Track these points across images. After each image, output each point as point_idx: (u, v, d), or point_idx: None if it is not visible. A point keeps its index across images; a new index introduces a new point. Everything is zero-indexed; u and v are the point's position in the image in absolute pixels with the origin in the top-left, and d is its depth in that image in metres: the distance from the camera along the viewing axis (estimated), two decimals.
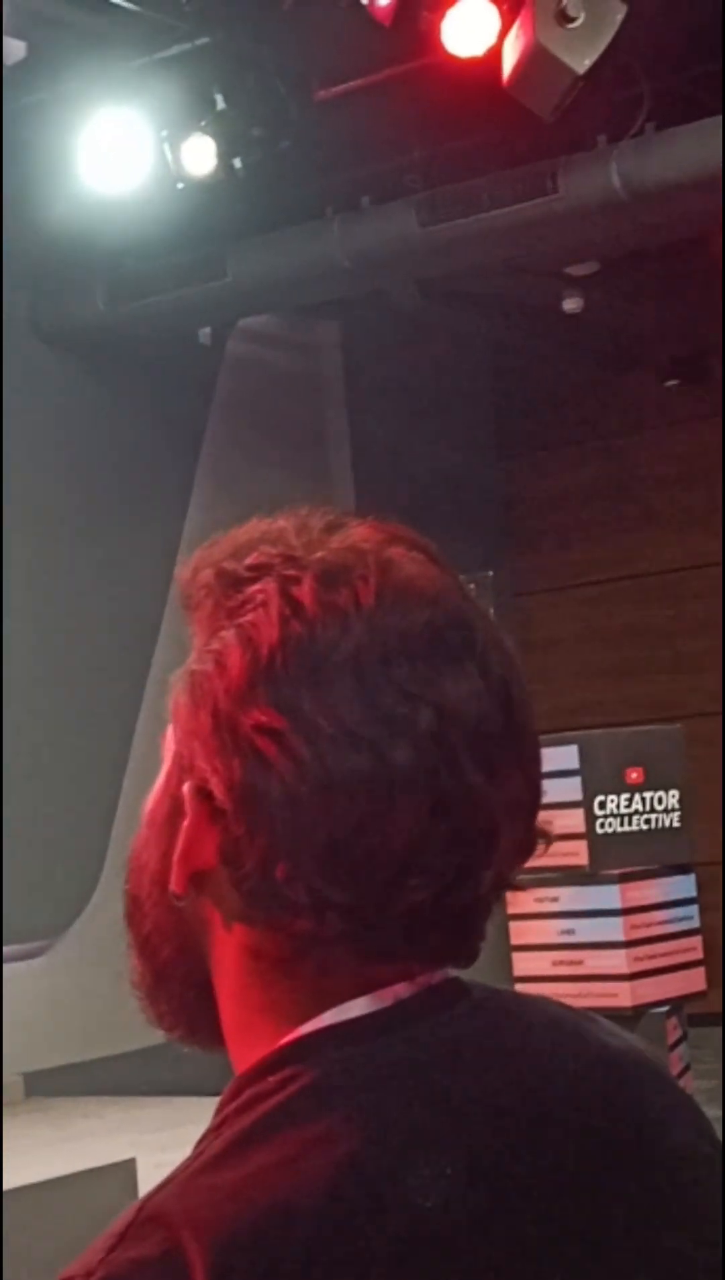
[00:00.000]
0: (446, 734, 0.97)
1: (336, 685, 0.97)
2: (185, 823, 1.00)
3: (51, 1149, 5.00)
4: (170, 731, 1.02)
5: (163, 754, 1.04)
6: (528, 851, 1.04)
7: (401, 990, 1.01)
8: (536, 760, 1.04)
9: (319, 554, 1.01)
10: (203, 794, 0.99)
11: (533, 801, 1.04)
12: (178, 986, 1.06)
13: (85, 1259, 0.93)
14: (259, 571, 1.01)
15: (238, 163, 6.32)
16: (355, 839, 0.96)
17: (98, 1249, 0.93)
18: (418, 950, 1.01)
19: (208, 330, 8.22)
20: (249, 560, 1.02)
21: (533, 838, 1.05)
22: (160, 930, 1.05)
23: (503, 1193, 0.98)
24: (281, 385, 8.80)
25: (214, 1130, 0.98)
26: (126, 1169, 4.42)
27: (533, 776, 1.03)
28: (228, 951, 1.03)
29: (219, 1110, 1.00)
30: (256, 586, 1.00)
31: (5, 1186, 4.76)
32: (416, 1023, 1.01)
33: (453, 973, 1.04)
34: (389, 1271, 0.93)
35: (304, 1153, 0.95)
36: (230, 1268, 0.90)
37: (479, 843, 0.99)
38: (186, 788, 1.01)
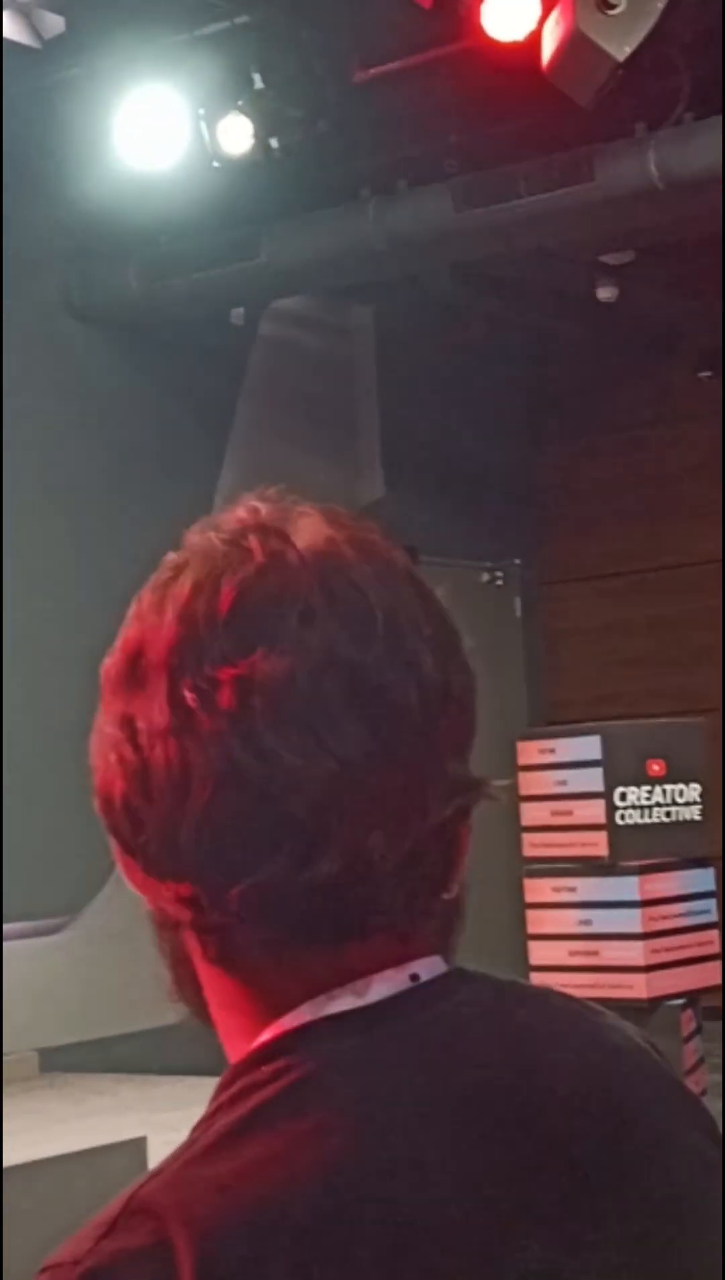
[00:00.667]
0: (252, 717, 0.95)
1: (151, 685, 0.98)
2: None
3: (64, 1125, 5.01)
4: None
5: None
6: (427, 811, 1.02)
7: (392, 978, 1.00)
8: (407, 721, 1.01)
9: (175, 554, 1.04)
10: None
11: (406, 766, 1.00)
12: (193, 995, 1.06)
13: (73, 1246, 0.92)
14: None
15: (274, 143, 6.31)
16: (199, 829, 0.96)
17: (85, 1237, 0.93)
18: (325, 932, 0.99)
19: (240, 311, 8.21)
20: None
21: (434, 795, 1.03)
22: (164, 949, 1.07)
23: (494, 1189, 0.97)
24: (313, 368, 8.78)
25: (207, 1119, 0.98)
26: (137, 1146, 4.43)
27: (399, 740, 1.00)
28: (195, 957, 1.03)
29: (214, 1098, 0.99)
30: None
31: (18, 1161, 4.77)
32: (411, 1015, 1.00)
33: (443, 964, 1.04)
34: (379, 1268, 0.92)
35: (297, 1147, 0.94)
36: (219, 1260, 0.90)
37: (308, 822, 0.96)
38: None
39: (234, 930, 0.98)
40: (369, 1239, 0.92)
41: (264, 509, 1.05)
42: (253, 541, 1.02)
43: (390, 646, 1.02)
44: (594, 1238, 0.98)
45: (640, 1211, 1.01)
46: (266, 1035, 1.00)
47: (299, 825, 0.96)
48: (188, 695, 0.97)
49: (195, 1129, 0.98)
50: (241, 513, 1.05)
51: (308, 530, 1.04)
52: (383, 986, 1.00)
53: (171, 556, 1.05)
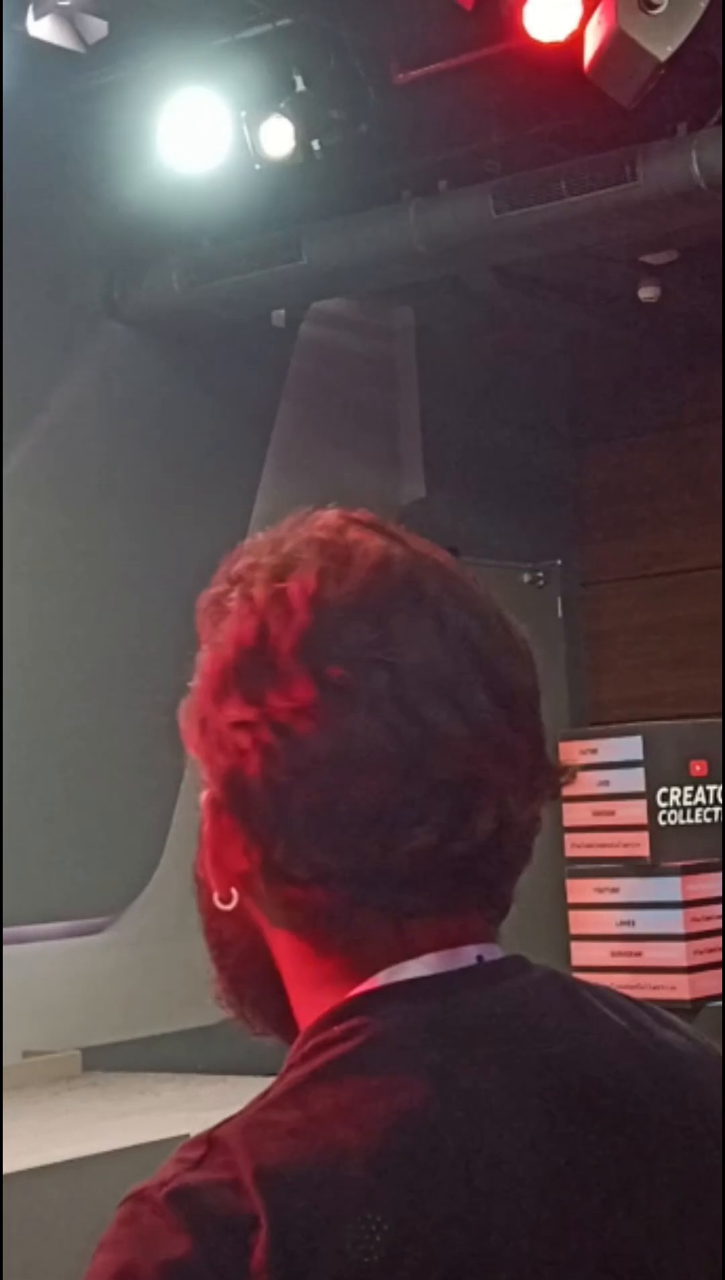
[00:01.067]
0: (404, 689, 1.01)
1: (288, 669, 1.03)
2: (204, 830, 1.06)
3: (106, 1123, 5.03)
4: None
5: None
6: (538, 792, 1.08)
7: (461, 955, 1.06)
8: (524, 701, 1.08)
9: (274, 553, 1.08)
10: (213, 800, 1.06)
11: (528, 741, 1.07)
12: (252, 989, 1.10)
13: (156, 1178, 0.98)
14: (231, 585, 1.09)
15: (316, 145, 6.32)
16: (332, 806, 1.01)
17: (168, 1168, 0.98)
18: (438, 903, 1.04)
19: (282, 312, 8.22)
20: (229, 579, 1.10)
21: (542, 777, 1.08)
22: (225, 939, 1.10)
23: (561, 1155, 1.01)
24: (354, 369, 8.79)
25: (280, 1076, 1.02)
26: (179, 1145, 4.44)
27: (521, 717, 1.07)
28: (278, 942, 1.07)
29: (288, 1059, 1.04)
30: (230, 599, 1.07)
31: (60, 1159, 4.79)
32: (484, 988, 1.05)
33: (499, 950, 1.10)
34: (439, 1220, 0.95)
35: (367, 1099, 0.98)
36: (286, 1203, 0.93)
37: (464, 787, 1.03)
38: (202, 798, 1.07)
39: (347, 905, 1.03)
40: (440, 1192, 0.95)
41: (341, 512, 1.12)
42: (356, 534, 1.10)
43: (504, 637, 1.10)
44: (645, 1220, 1.02)
45: (693, 1199, 1.04)
46: (340, 999, 1.04)
47: (453, 791, 1.02)
48: (335, 674, 1.02)
49: (270, 1085, 1.02)
50: (327, 516, 1.12)
51: (391, 531, 1.13)
52: (451, 960, 1.05)
53: (253, 557, 1.10)
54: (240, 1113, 1.00)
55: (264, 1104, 1.00)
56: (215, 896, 1.08)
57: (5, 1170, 4.69)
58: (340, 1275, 0.92)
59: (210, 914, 1.09)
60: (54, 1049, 6.41)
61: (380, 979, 1.03)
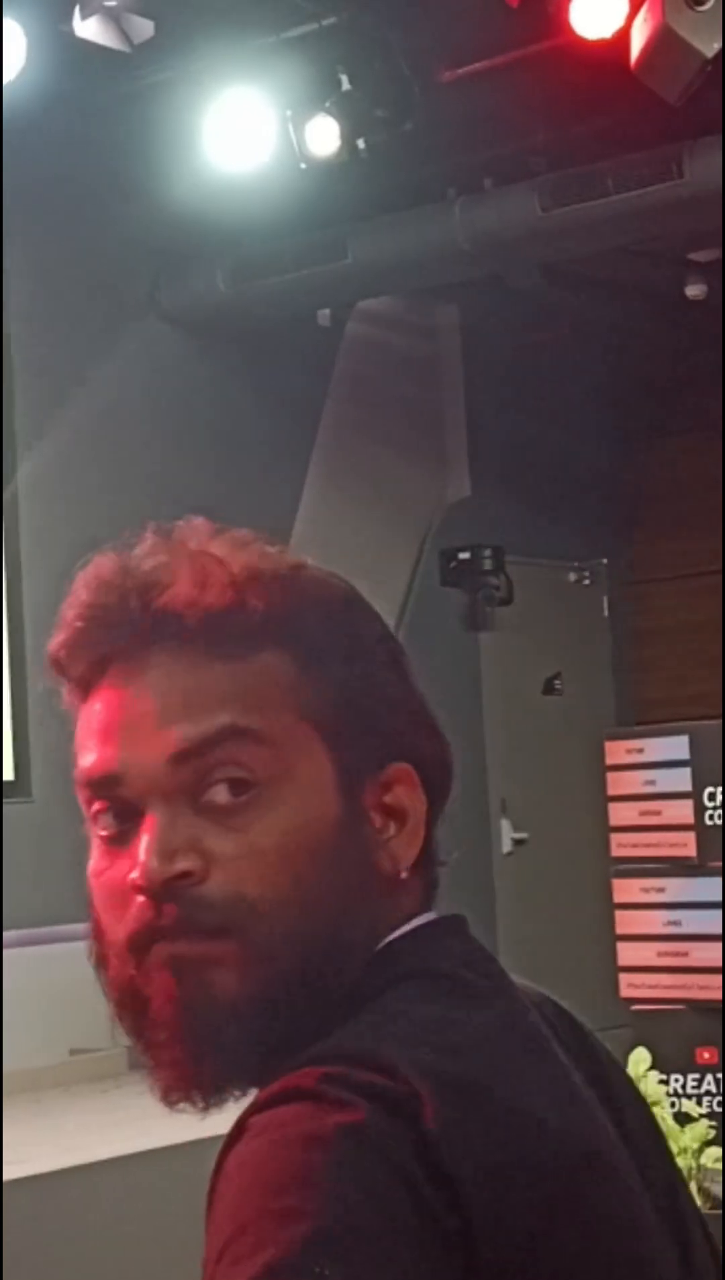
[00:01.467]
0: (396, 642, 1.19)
1: (355, 623, 1.18)
2: (412, 805, 1.12)
3: (150, 1121, 5.04)
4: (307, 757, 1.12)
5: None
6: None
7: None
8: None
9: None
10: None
11: None
12: (335, 906, 1.10)
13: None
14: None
15: (361, 143, 6.32)
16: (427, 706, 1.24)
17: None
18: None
19: (327, 311, 8.23)
20: None
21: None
22: (325, 943, 1.09)
23: (580, 1079, 1.11)
24: (400, 368, 8.79)
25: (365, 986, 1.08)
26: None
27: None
28: (363, 859, 1.11)
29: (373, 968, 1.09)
30: None
31: (106, 1156, 4.81)
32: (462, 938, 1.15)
33: None
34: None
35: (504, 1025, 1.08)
36: (442, 1088, 0.99)
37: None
38: (396, 770, 1.12)
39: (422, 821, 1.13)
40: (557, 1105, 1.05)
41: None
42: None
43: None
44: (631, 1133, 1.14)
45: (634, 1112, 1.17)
46: (403, 930, 1.11)
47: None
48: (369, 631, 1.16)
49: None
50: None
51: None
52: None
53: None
54: (382, 1031, 1.02)
55: (416, 1024, 1.03)
56: (395, 875, 1.11)
57: (52, 1167, 4.71)
58: (503, 1142, 0.98)
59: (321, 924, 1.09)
60: (100, 1047, 6.43)
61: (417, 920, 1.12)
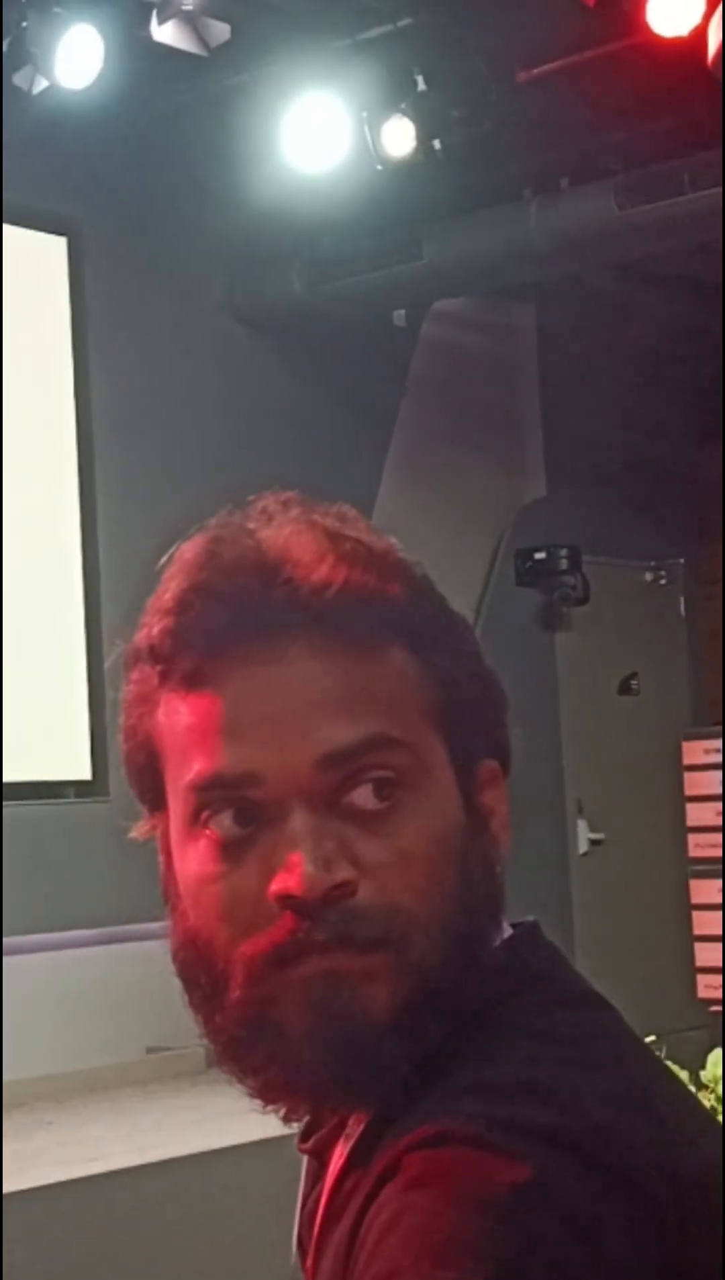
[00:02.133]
0: None
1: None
2: (500, 803, 1.09)
3: (229, 1119, 5.06)
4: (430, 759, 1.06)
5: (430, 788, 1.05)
6: None
7: None
8: None
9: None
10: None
11: None
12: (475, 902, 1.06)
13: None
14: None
15: (437, 144, 6.32)
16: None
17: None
18: None
19: (402, 312, 8.23)
20: None
21: None
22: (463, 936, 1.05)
23: None
24: (475, 368, 8.78)
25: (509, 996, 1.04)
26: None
27: None
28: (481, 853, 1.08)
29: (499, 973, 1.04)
30: None
31: (186, 1152, 4.83)
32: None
33: None
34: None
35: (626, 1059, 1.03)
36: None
37: None
38: (488, 767, 1.08)
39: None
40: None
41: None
42: None
43: None
44: None
45: None
46: (512, 936, 1.08)
47: None
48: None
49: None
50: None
51: None
52: None
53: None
54: (535, 1064, 0.97)
55: (563, 1054, 0.98)
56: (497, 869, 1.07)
57: (134, 1163, 4.74)
58: (679, 1156, 0.94)
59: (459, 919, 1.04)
60: (177, 1045, 6.45)
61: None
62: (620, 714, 8.98)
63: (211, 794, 1.02)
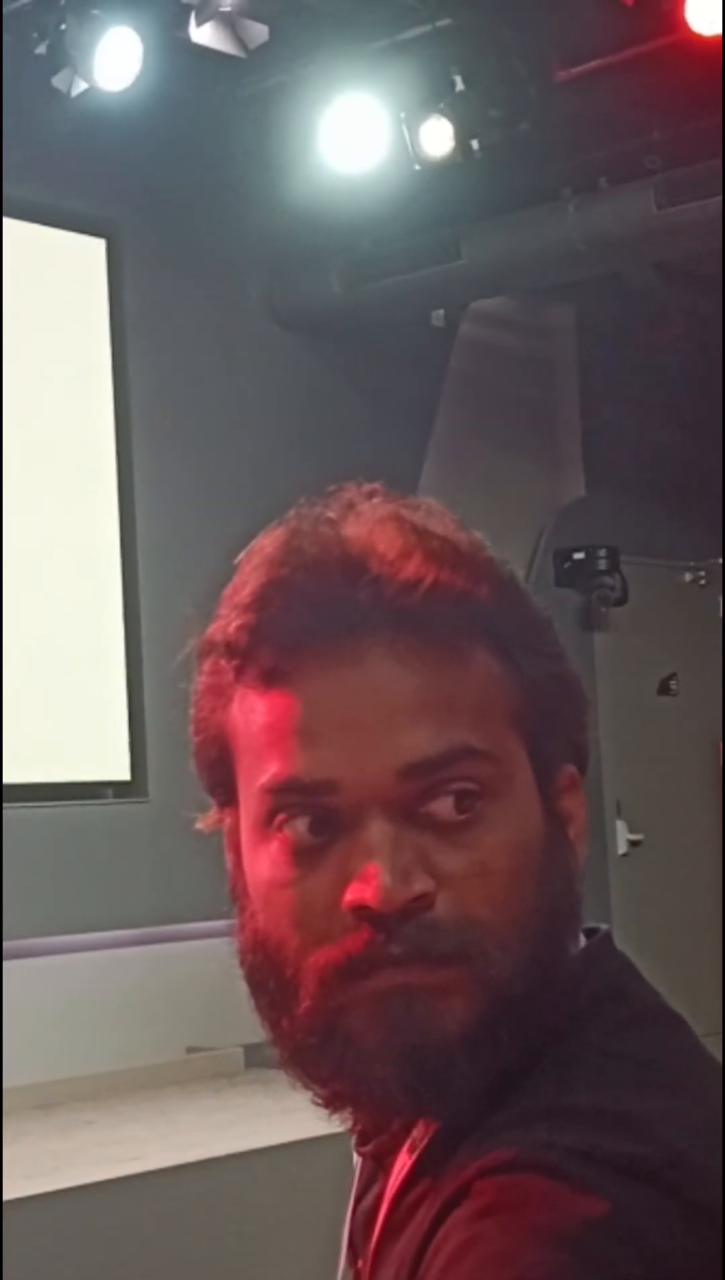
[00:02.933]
0: None
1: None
2: (579, 811, 1.06)
3: (268, 1120, 5.07)
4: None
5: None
6: None
7: None
8: None
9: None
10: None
11: None
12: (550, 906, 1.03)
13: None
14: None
15: (475, 144, 6.31)
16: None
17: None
18: None
19: (441, 312, 8.22)
20: None
21: None
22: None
23: None
24: (514, 368, 8.77)
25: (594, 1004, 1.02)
26: (344, 1140, 4.46)
27: None
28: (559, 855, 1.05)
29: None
30: None
31: (225, 1152, 4.83)
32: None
33: None
34: None
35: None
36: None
37: None
38: (568, 774, 1.05)
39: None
40: None
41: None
42: None
43: None
44: None
45: None
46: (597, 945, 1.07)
47: None
48: None
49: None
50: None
51: None
52: None
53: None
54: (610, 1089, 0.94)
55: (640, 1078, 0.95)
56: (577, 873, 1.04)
57: (172, 1163, 4.75)
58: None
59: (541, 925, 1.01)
60: (217, 1045, 6.46)
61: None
62: (659, 715, 8.95)
63: (287, 798, 0.99)
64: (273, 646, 0.99)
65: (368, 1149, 1.08)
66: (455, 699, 0.98)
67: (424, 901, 0.96)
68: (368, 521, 1.00)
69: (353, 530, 1.00)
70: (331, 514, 1.01)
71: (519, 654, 1.02)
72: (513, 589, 1.03)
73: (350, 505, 1.02)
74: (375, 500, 1.02)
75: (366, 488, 1.04)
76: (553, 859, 1.01)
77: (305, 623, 0.98)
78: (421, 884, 0.96)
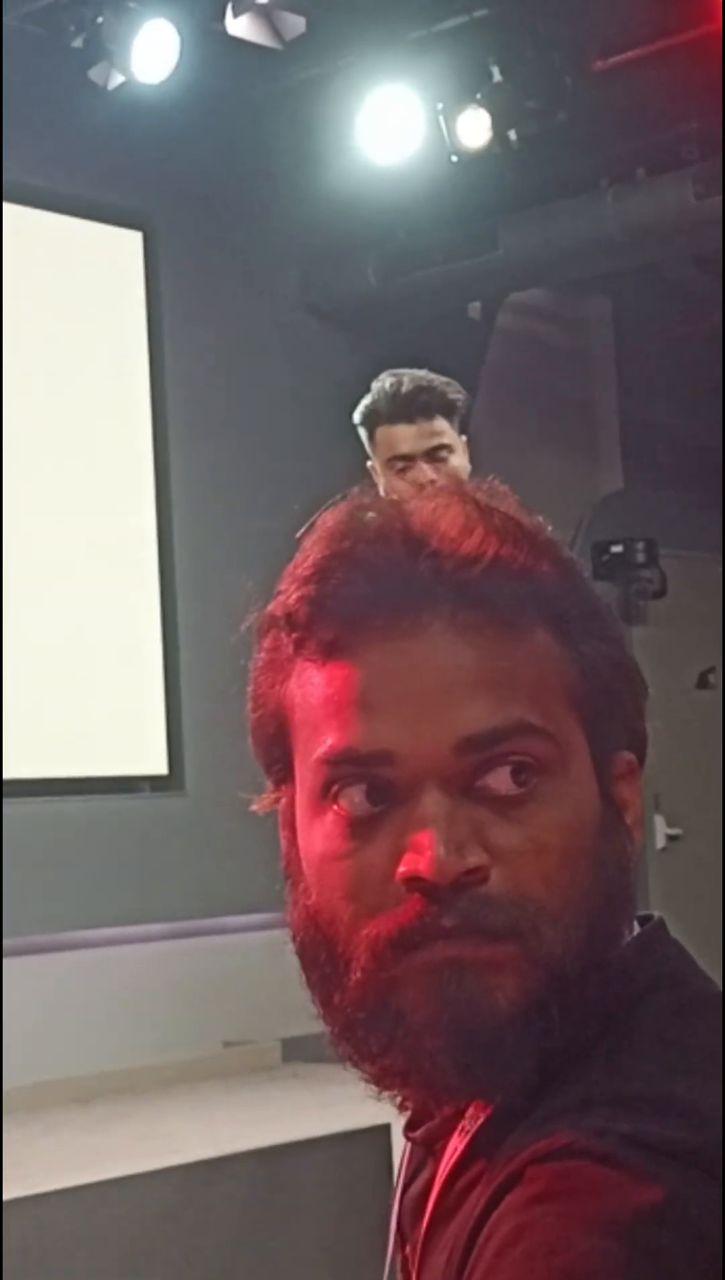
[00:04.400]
0: None
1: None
2: (635, 798, 1.05)
3: (306, 1113, 5.07)
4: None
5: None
6: None
7: None
8: None
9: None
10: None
11: None
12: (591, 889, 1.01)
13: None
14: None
15: (512, 135, 6.29)
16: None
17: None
18: None
19: (478, 304, 8.20)
20: None
21: None
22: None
23: None
24: (551, 360, 8.75)
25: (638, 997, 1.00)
26: (381, 1133, 4.46)
27: None
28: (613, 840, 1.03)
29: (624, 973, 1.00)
30: None
31: (264, 1144, 4.83)
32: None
33: None
34: None
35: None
36: None
37: None
38: (624, 760, 1.05)
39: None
40: None
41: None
42: None
43: None
44: None
45: None
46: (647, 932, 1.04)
47: None
48: None
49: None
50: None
51: None
52: None
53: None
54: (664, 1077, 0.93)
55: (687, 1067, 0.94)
56: (633, 855, 1.02)
57: (211, 1155, 4.75)
58: None
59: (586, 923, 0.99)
60: (255, 1039, 6.46)
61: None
62: (698, 708, 8.92)
63: (343, 769, 0.98)
64: (333, 619, 0.99)
65: (418, 1134, 1.07)
66: (513, 674, 0.97)
67: (477, 875, 0.95)
68: (430, 498, 1.01)
69: (415, 505, 1.01)
70: (398, 490, 1.05)
71: (579, 635, 1.01)
72: (574, 571, 1.04)
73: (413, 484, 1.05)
74: (438, 481, 1.05)
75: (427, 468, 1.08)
76: (608, 843, 1.00)
77: (366, 595, 0.98)
78: (475, 857, 0.95)
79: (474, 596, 0.97)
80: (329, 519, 1.03)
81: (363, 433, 4.26)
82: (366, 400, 4.24)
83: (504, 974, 0.95)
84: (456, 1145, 1.02)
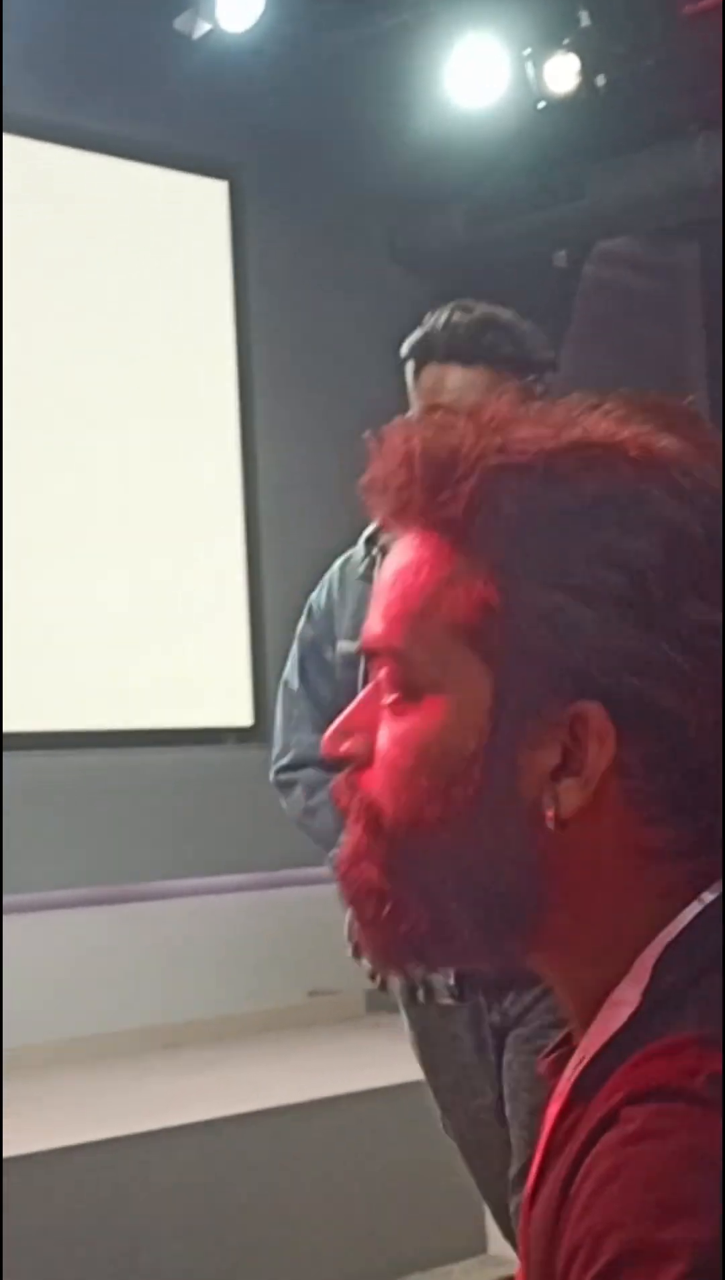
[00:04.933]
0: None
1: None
2: (590, 750, 0.98)
3: (387, 1061, 5.08)
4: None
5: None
6: None
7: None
8: None
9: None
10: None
11: None
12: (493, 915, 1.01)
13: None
14: None
15: (600, 80, 6.23)
16: None
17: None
18: None
19: (564, 253, 8.14)
20: None
21: None
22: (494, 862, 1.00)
23: None
24: (639, 309, 8.67)
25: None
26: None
27: None
28: (616, 863, 1.00)
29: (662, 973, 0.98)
30: None
31: (354, 1089, 4.87)
32: None
33: None
34: None
35: None
36: None
37: None
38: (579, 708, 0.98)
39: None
40: None
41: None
42: None
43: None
44: None
45: None
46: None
47: None
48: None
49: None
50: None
51: None
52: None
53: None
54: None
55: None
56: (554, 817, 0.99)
57: (293, 1100, 4.79)
58: None
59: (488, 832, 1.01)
60: (338, 989, 6.50)
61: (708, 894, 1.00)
62: None
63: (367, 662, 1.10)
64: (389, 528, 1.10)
65: (541, 1067, 1.09)
66: (408, 597, 1.04)
67: (348, 760, 1.06)
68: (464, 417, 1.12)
69: (433, 423, 1.11)
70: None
71: (521, 574, 1.01)
72: (556, 507, 1.07)
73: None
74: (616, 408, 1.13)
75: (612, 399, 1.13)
76: (485, 788, 1.00)
77: (382, 508, 1.09)
78: (348, 745, 1.06)
79: (436, 519, 1.03)
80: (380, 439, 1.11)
81: (409, 370, 3.30)
82: (418, 331, 3.25)
83: (367, 862, 1.03)
84: (564, 1086, 1.04)
